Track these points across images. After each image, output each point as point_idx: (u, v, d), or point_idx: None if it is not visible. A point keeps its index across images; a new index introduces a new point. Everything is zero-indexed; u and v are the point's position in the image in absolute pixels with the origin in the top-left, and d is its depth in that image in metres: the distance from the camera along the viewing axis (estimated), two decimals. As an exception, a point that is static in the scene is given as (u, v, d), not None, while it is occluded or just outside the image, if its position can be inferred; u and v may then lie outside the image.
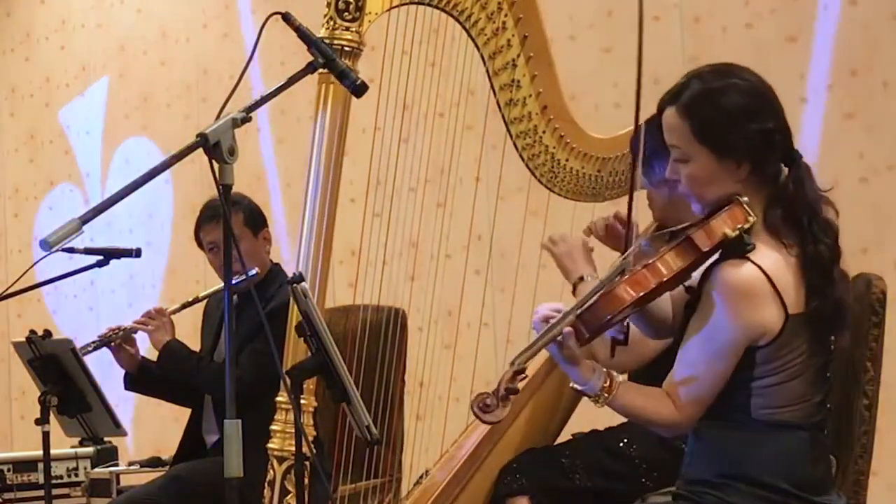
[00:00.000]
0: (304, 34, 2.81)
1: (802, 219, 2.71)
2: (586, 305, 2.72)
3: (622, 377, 2.80)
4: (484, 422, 2.80)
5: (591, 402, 2.79)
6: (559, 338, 2.71)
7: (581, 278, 3.16)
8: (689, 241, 2.69)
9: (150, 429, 7.27)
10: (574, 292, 3.17)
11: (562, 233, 3.36)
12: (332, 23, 3.51)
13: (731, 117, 2.71)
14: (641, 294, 2.68)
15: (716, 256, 2.72)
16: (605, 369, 2.77)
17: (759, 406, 2.72)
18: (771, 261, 2.68)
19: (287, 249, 6.20)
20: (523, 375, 2.77)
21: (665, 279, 2.69)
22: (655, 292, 2.72)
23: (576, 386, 2.78)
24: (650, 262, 2.70)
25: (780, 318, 2.67)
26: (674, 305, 2.89)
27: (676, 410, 2.73)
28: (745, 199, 2.70)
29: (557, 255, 3.27)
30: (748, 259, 2.66)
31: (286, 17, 2.78)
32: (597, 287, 2.73)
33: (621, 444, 3.47)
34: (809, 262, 2.69)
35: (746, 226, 2.68)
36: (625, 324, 2.80)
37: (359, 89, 2.81)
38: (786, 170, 2.76)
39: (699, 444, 2.81)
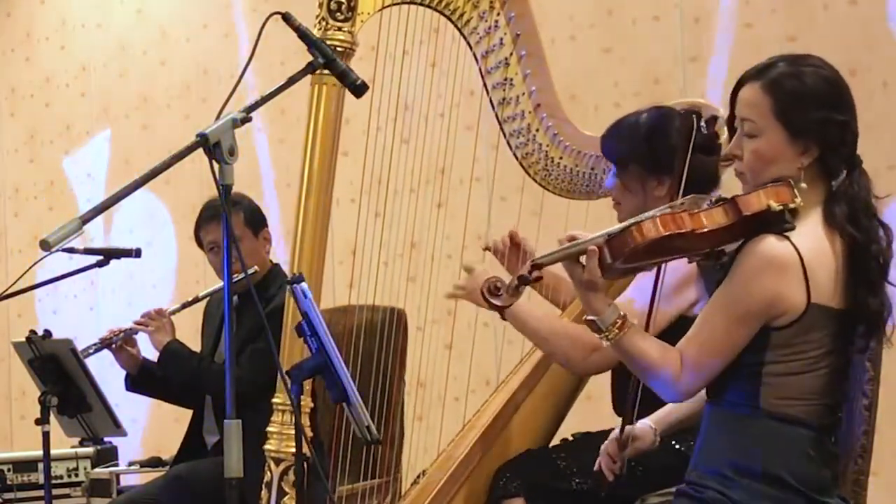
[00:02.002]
0: (304, 34, 2.81)
1: (863, 220, 2.74)
2: (616, 230, 2.72)
3: (635, 321, 2.80)
4: (488, 303, 2.82)
5: (601, 337, 2.78)
6: (582, 256, 2.73)
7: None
8: (732, 203, 2.70)
9: (150, 429, 7.27)
10: (504, 316, 3.21)
11: (470, 271, 3.42)
12: (324, 23, 3.51)
13: (814, 100, 2.74)
14: (671, 233, 2.68)
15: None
16: (620, 310, 2.77)
17: (769, 395, 2.72)
18: (810, 246, 2.69)
19: (287, 249, 6.19)
20: (539, 273, 2.77)
21: (698, 230, 2.68)
22: (686, 240, 2.71)
23: (588, 316, 2.78)
24: (692, 210, 2.71)
25: (803, 302, 2.68)
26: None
27: (681, 369, 2.72)
28: (803, 184, 2.72)
29: (467, 296, 3.34)
30: (786, 237, 2.68)
31: (286, 17, 2.78)
32: (635, 219, 2.73)
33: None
34: (869, 260, 2.72)
35: (791, 205, 2.69)
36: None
37: (359, 89, 2.82)
38: (844, 172, 2.77)
39: (708, 434, 2.81)
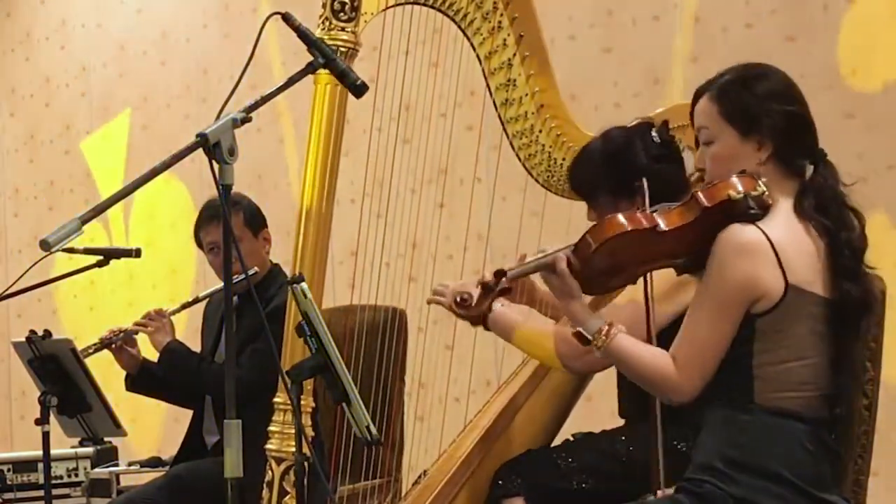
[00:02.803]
0: (304, 34, 2.81)
1: (832, 209, 2.79)
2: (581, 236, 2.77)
3: (623, 326, 2.82)
4: (458, 315, 2.84)
5: (591, 346, 2.81)
6: (551, 262, 2.78)
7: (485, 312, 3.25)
8: (693, 198, 2.76)
9: (150, 429, 7.27)
10: (487, 326, 3.21)
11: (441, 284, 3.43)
12: (327, 23, 3.51)
13: (757, 97, 2.83)
14: (632, 229, 2.73)
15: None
16: (605, 318, 2.82)
17: (762, 390, 2.75)
18: (781, 232, 2.75)
19: (287, 250, 6.19)
20: (507, 284, 2.80)
21: (659, 228, 2.74)
22: (652, 241, 2.75)
23: (575, 327, 2.82)
24: (653, 209, 2.78)
25: (780, 285, 2.72)
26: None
27: (675, 368, 2.76)
28: (763, 179, 2.77)
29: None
30: (753, 224, 2.73)
31: (286, 17, 2.78)
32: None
33: (618, 446, 3.47)
34: (841, 248, 2.77)
35: (753, 192, 2.74)
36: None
37: (359, 89, 2.81)
38: (811, 167, 2.83)
39: (706, 429, 2.83)
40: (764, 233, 2.73)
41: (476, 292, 2.85)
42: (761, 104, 2.82)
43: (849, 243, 2.78)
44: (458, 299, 2.84)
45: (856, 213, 2.83)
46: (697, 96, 2.90)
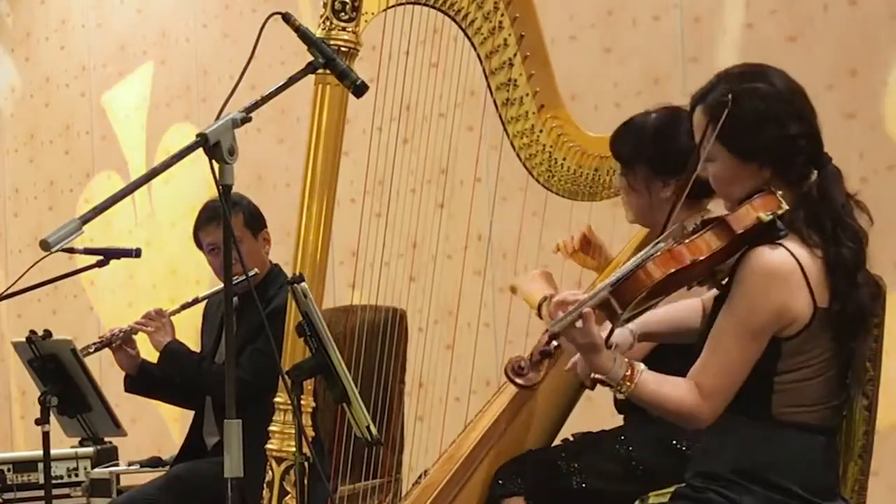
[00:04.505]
0: (304, 34, 2.80)
1: (826, 223, 2.72)
2: (619, 279, 2.70)
3: (643, 366, 2.77)
4: (516, 385, 2.80)
5: (613, 391, 2.75)
6: (579, 322, 2.67)
7: (545, 297, 3.21)
8: (722, 223, 2.70)
9: (150, 429, 7.26)
10: (539, 314, 3.17)
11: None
12: (328, 23, 3.50)
13: (749, 123, 2.72)
14: (675, 269, 2.68)
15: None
16: (625, 358, 2.75)
17: (780, 404, 2.72)
18: (804, 251, 2.69)
19: (287, 250, 6.19)
20: (556, 344, 2.73)
21: (700, 258, 2.68)
22: (688, 271, 2.70)
23: (597, 375, 2.75)
24: (687, 240, 2.70)
25: (810, 309, 2.68)
26: (705, 312, 2.89)
27: (702, 399, 2.70)
28: (779, 192, 2.71)
29: (522, 290, 3.30)
30: (781, 245, 2.68)
31: (286, 17, 2.77)
32: (632, 263, 2.71)
33: (617, 446, 3.47)
34: (833, 265, 2.70)
35: (779, 212, 2.69)
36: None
37: (359, 89, 2.81)
38: (815, 172, 2.76)
39: (717, 438, 2.79)
40: (792, 254, 2.67)
41: (529, 358, 2.78)
42: (756, 131, 2.71)
43: (838, 262, 2.70)
44: (515, 367, 2.78)
45: (853, 229, 2.75)
46: (693, 105, 2.81)
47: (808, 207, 2.73)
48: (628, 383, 2.72)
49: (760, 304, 2.66)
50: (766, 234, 2.69)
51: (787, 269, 2.66)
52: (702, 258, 2.69)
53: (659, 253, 2.69)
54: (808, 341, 2.70)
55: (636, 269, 2.69)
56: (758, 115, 2.72)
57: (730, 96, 2.72)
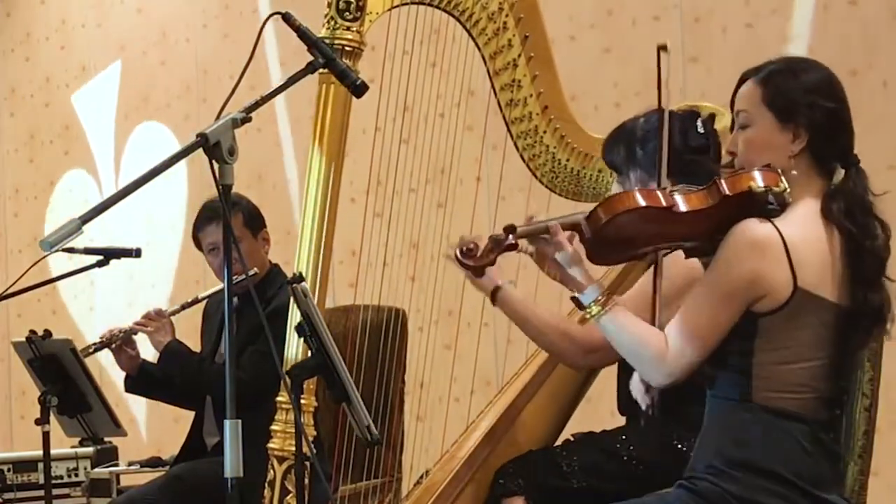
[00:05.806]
0: (304, 34, 2.80)
1: (858, 215, 2.78)
2: (597, 205, 2.75)
3: (622, 298, 2.84)
4: (462, 265, 2.83)
5: (583, 314, 2.81)
6: (545, 234, 2.80)
7: (497, 287, 3.28)
8: (714, 185, 2.74)
9: (150, 429, 7.27)
10: (495, 302, 3.26)
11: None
12: (332, 22, 3.51)
13: (801, 88, 2.81)
14: (648, 205, 2.71)
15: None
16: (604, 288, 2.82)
17: (761, 388, 2.74)
18: (798, 232, 2.72)
19: (287, 249, 6.20)
20: (514, 241, 2.80)
21: (681, 210, 2.72)
22: (666, 221, 2.73)
23: (574, 293, 2.82)
24: (673, 190, 2.76)
25: (788, 286, 2.70)
26: None
27: (667, 352, 2.74)
28: (794, 172, 2.76)
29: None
30: (769, 221, 2.71)
31: (286, 17, 2.77)
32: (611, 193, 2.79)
33: (618, 446, 3.47)
34: (864, 256, 2.75)
35: (775, 188, 2.71)
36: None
37: (359, 89, 2.81)
38: (842, 171, 2.82)
39: (705, 427, 2.83)
40: (779, 231, 2.71)
41: (483, 244, 2.83)
42: (805, 95, 2.80)
43: (872, 252, 2.77)
44: (464, 249, 2.82)
45: (881, 224, 2.81)
46: (742, 80, 2.87)
47: (846, 198, 2.78)
48: (600, 308, 2.79)
49: (734, 270, 2.71)
50: (756, 205, 2.71)
51: (768, 241, 2.70)
52: (683, 210, 2.73)
53: (640, 188, 2.74)
54: (789, 321, 2.72)
55: (612, 194, 2.74)
56: (809, 84, 2.82)
57: (785, 66, 2.84)
